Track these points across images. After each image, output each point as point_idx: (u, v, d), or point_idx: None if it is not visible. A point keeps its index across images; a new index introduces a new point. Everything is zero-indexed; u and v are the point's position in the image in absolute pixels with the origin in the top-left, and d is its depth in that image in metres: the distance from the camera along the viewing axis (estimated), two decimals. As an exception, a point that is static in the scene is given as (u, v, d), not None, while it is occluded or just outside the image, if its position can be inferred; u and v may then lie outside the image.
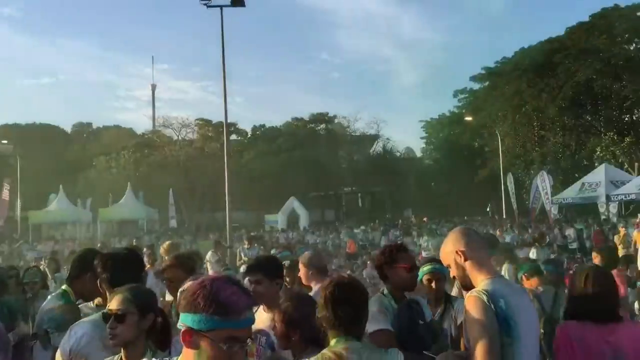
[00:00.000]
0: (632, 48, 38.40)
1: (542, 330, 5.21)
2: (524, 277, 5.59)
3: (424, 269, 4.10)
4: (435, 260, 4.02)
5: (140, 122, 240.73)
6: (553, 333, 5.17)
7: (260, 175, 43.88)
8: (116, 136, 56.28)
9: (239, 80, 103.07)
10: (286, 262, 5.40)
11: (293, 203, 34.67)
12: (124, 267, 3.21)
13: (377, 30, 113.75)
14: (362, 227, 27.14)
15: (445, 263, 2.91)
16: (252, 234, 20.68)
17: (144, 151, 47.78)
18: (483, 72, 47.80)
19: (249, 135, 56.44)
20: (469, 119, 45.72)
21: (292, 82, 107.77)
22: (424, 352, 2.69)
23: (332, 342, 2.58)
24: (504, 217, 32.50)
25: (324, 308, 2.63)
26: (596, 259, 6.81)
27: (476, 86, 50.98)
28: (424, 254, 14.42)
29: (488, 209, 37.83)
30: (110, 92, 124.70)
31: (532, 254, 10.66)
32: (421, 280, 4.10)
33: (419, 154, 60.95)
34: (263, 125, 56.65)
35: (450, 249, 2.82)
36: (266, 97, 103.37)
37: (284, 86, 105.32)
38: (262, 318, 3.37)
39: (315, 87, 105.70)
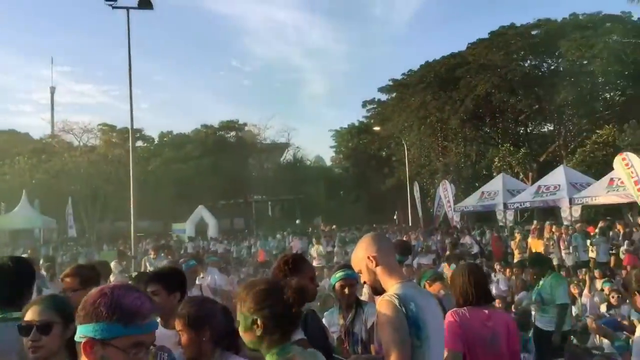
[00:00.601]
0: (527, 65, 40.85)
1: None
2: (426, 283, 5.78)
3: (337, 275, 4.16)
4: (347, 266, 4.06)
5: (38, 126, 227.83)
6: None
7: (167, 183, 42.79)
8: (11, 141, 52.89)
9: (145, 86, 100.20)
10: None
11: (201, 211, 34.03)
12: (6, 279, 2.98)
13: (287, 38, 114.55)
14: (278, 236, 27.05)
15: (356, 269, 2.94)
16: (162, 242, 20.08)
17: (41, 157, 45.23)
18: (390, 83, 49.19)
19: (156, 142, 54.90)
20: (377, 128, 46.92)
21: (202, 88, 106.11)
22: (334, 355, 2.68)
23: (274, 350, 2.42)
24: (410, 224, 33.53)
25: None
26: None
27: (384, 97, 52.37)
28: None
29: (395, 217, 38.89)
30: (4, 95, 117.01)
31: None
32: (334, 286, 4.15)
33: (328, 162, 61.82)
34: (170, 132, 55.30)
35: (362, 255, 2.86)
36: (174, 103, 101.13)
37: (193, 93, 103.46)
38: (162, 335, 3.24)
39: (225, 94, 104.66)
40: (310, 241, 20.01)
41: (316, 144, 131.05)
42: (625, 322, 5.60)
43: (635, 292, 3.78)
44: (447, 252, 14.13)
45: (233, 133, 53.71)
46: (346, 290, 4.15)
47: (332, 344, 3.51)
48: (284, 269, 3.48)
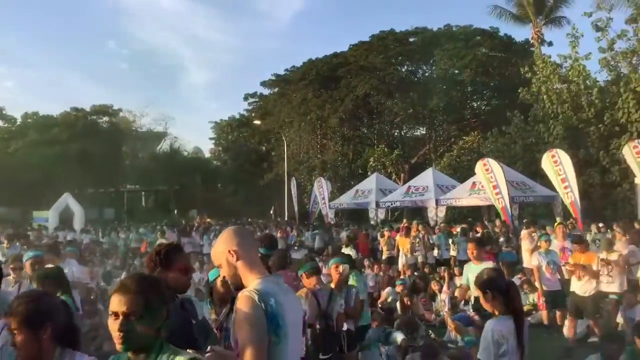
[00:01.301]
0: (404, 70, 42.67)
1: (317, 326, 5.46)
2: (304, 275, 5.81)
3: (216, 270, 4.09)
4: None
5: None
6: (327, 328, 5.41)
7: (29, 167, 39.70)
8: None
9: (9, 63, 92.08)
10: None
11: (67, 199, 31.89)
12: None
13: (170, 24, 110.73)
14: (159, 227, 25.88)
15: (216, 263, 2.84)
16: (13, 231, 18.53)
17: None
18: (273, 78, 49.26)
19: (19, 123, 50.84)
20: (257, 122, 46.77)
21: (74, 69, 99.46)
22: (188, 350, 2.57)
23: None
24: (286, 219, 33.76)
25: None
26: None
27: (266, 91, 52.37)
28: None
29: (271, 212, 38.99)
30: None
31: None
32: (214, 280, 4.14)
33: (207, 154, 60.72)
34: (36, 113, 51.41)
35: (222, 249, 2.77)
36: (42, 83, 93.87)
37: (64, 73, 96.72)
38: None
39: (99, 77, 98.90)
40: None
41: (195, 135, 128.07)
42: (477, 318, 5.99)
43: (481, 291, 4.01)
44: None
45: (106, 118, 51.07)
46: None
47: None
48: (155, 259, 3.36)
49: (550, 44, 37.79)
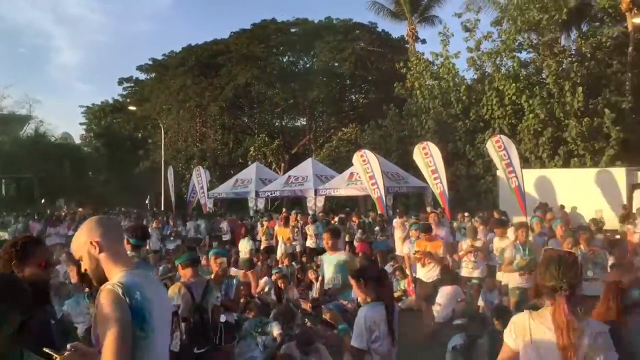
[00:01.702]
0: (285, 60, 42.81)
1: (192, 319, 5.31)
2: (180, 266, 5.66)
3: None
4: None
5: None
6: (202, 321, 5.27)
7: None
8: None
9: None
10: None
11: None
12: None
13: (37, 0, 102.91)
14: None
15: (77, 255, 2.64)
16: None
17: None
18: (150, 63, 47.42)
19: None
20: (133, 108, 44.84)
21: None
22: (44, 349, 2.36)
23: None
24: (163, 209, 32.73)
25: None
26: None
27: (143, 76, 50.35)
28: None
29: (147, 201, 37.61)
30: None
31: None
32: None
33: (78, 140, 57.21)
34: None
35: (83, 240, 2.58)
36: None
37: None
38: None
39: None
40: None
41: (65, 120, 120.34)
42: (350, 306, 6.15)
43: (354, 279, 4.09)
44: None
45: (-40, 99, 46.55)
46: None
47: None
48: (10, 252, 3.11)
49: (424, 41, 39.69)
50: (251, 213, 23.35)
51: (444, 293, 9.44)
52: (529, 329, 2.83)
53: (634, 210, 18.79)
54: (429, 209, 18.07)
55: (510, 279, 8.43)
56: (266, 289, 9.97)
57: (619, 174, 19.81)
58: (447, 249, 10.78)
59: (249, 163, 32.41)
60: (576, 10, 26.70)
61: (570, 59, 25.60)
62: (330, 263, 7.06)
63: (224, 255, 6.96)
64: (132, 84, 51.92)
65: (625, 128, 23.04)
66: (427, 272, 8.91)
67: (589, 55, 25.21)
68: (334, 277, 6.90)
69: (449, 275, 9.83)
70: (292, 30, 42.02)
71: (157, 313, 2.50)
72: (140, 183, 41.30)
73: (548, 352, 2.75)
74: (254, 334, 7.27)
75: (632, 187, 19.38)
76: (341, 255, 7.02)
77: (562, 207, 17.97)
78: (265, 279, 10.35)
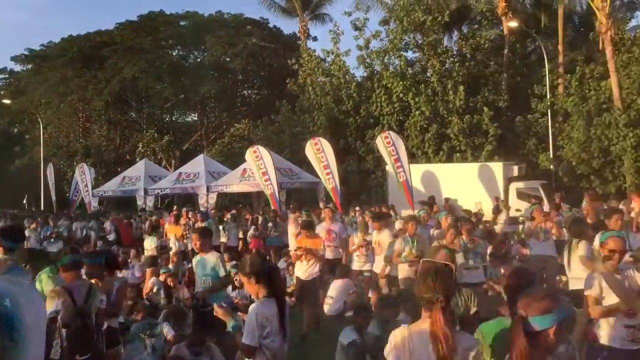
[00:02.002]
0: (174, 54, 41.63)
1: (73, 324, 4.96)
2: (61, 269, 5.31)
3: None
4: None
5: None
6: (84, 326, 4.94)
7: None
8: None
9: None
10: None
11: None
12: None
13: None
14: None
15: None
16: None
17: None
18: (27, 53, 44.30)
19: None
20: (7, 102, 41.79)
21: None
22: None
23: None
24: (42, 208, 30.76)
25: None
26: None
27: (18, 68, 46.95)
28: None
29: (25, 201, 35.16)
30: None
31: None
32: None
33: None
34: None
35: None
36: None
37: None
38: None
39: None
40: None
41: None
42: (241, 303, 6.05)
43: (245, 276, 4.01)
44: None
45: None
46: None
47: None
48: None
49: (315, 38, 40.14)
50: (139, 211, 22.47)
51: (336, 286, 9.58)
52: (408, 343, 2.87)
53: (510, 202, 20.17)
54: (321, 204, 18.29)
55: (399, 270, 8.70)
56: (154, 290, 9.62)
57: (497, 168, 21.14)
58: (340, 244, 11.00)
59: (137, 160, 31.23)
60: (457, 13, 28.16)
61: (452, 59, 26.95)
62: (199, 265, 6.74)
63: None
64: (6, 76, 48.29)
65: (502, 125, 24.63)
66: (307, 270, 8.75)
67: (469, 56, 26.68)
68: (204, 279, 6.60)
69: (342, 269, 10.00)
70: (182, 23, 40.94)
71: (29, 320, 2.28)
72: (17, 181, 38.49)
73: None
74: (142, 337, 6.98)
75: (508, 181, 20.77)
76: (211, 257, 6.67)
77: (447, 199, 18.86)
78: (153, 279, 9.98)
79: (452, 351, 2.73)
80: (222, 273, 6.59)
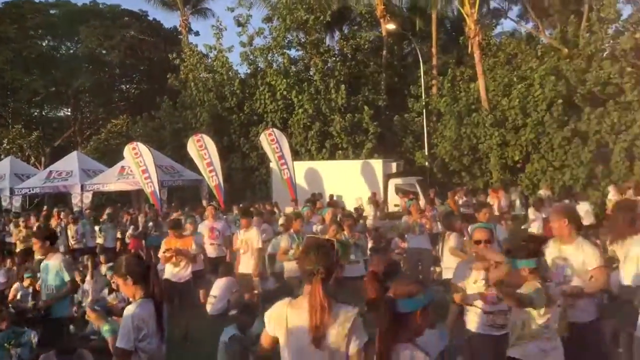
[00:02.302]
0: (44, 44, 38.96)
1: None
2: None
3: None
4: None
5: None
6: None
7: None
8: None
9: None
10: None
11: None
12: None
13: None
14: None
15: None
16: None
17: None
18: None
19: None
20: None
21: None
22: None
23: None
24: None
25: None
26: None
27: None
28: None
29: None
30: None
31: None
32: None
33: None
34: None
35: None
36: None
37: None
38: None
39: None
40: None
41: None
42: (120, 305, 5.78)
43: (121, 278, 3.84)
44: None
45: None
46: None
47: None
48: None
49: (197, 33, 39.30)
50: (7, 212, 20.80)
51: (219, 285, 9.46)
52: (286, 316, 2.93)
53: (389, 198, 20.99)
54: (204, 202, 17.98)
55: (286, 268, 8.74)
56: (18, 296, 8.97)
57: (377, 165, 21.91)
58: (223, 242, 10.86)
59: (2, 157, 28.94)
60: (338, 13, 28.81)
61: (334, 58, 27.52)
62: (43, 270, 6.25)
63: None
64: None
65: (381, 124, 25.54)
66: (178, 272, 8.36)
67: (350, 55, 27.40)
68: (48, 286, 6.14)
69: (225, 267, 9.88)
70: (52, 11, 38.42)
71: None
72: None
73: (304, 335, 2.85)
74: (6, 347, 6.49)
75: (387, 177, 21.59)
76: (55, 261, 6.13)
77: (332, 196, 19.23)
78: (17, 284, 9.30)
79: (327, 321, 2.80)
80: (66, 278, 6.08)
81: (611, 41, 24.04)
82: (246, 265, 9.26)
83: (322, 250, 2.95)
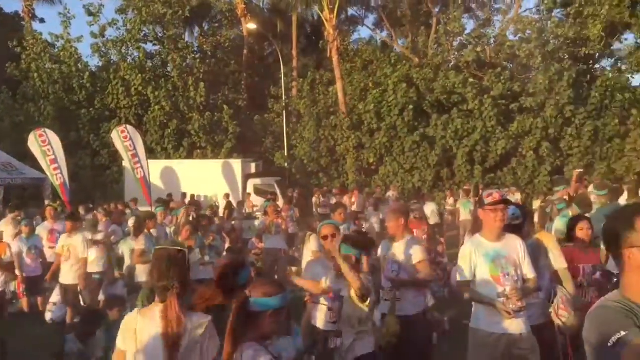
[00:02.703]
0: None
1: None
2: None
3: None
4: None
5: None
6: None
7: None
8: None
9: None
10: None
11: None
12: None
13: None
14: None
15: None
16: None
17: None
18: None
19: None
20: None
21: None
22: None
23: None
24: None
25: None
26: None
27: None
28: None
29: None
30: None
31: None
32: None
33: None
34: None
35: None
36: None
37: None
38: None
39: None
40: None
41: None
42: None
43: None
44: None
45: None
46: None
47: None
48: None
49: (42, 20, 36.33)
50: None
51: (57, 292, 8.74)
52: (137, 327, 2.89)
53: (248, 198, 20.81)
54: (47, 202, 16.64)
55: (141, 271, 8.24)
56: None
57: (236, 165, 21.69)
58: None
59: None
60: (198, 9, 28.13)
61: (193, 55, 26.80)
62: None
63: None
64: None
65: (241, 124, 25.33)
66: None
67: (210, 53, 26.85)
68: None
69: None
70: None
71: None
72: None
73: (156, 345, 2.83)
74: None
75: (246, 178, 21.44)
76: None
77: (184, 195, 18.68)
78: None
79: (180, 331, 2.82)
80: None
81: (456, 53, 25.88)
82: (67, 274, 8.21)
83: (175, 262, 2.92)
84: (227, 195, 19.00)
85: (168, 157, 24.20)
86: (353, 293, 4.09)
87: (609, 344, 1.77)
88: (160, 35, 27.20)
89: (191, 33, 30.03)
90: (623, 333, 1.75)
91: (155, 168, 20.33)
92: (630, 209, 2.08)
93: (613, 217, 2.07)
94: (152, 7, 25.63)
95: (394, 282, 4.93)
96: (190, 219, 9.73)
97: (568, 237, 5.36)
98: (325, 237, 4.67)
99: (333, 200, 14.79)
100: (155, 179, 19.81)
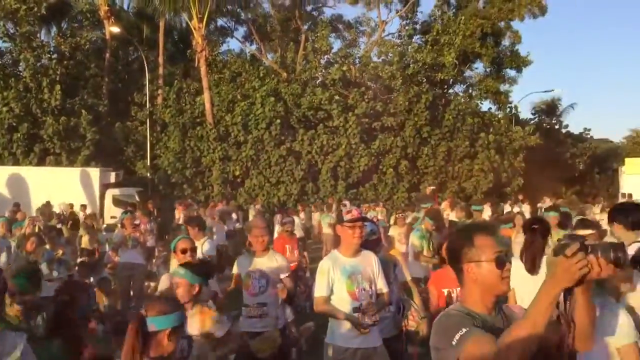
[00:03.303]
0: None
1: None
2: None
3: None
4: None
5: None
6: None
7: None
8: None
9: None
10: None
11: None
12: None
13: None
14: None
15: None
16: None
17: None
18: None
19: None
20: None
21: None
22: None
23: None
24: None
25: None
26: None
27: None
28: None
29: None
30: None
31: None
32: None
33: None
34: None
35: None
36: None
37: None
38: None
39: None
40: None
41: None
42: None
43: None
44: None
45: None
46: None
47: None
48: None
49: None
50: None
51: None
52: None
53: (105, 210, 19.75)
54: None
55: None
56: None
57: (94, 174, 20.52)
58: None
59: None
60: (56, 8, 26.35)
61: (49, 55, 24.98)
62: None
63: None
64: None
65: (100, 130, 23.98)
66: None
67: (68, 54, 25.17)
68: None
69: None
70: None
71: None
72: None
73: None
74: None
75: (104, 187, 20.33)
76: None
77: (48, 202, 17.30)
78: None
79: None
80: None
81: (323, 70, 26.58)
82: None
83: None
84: (83, 207, 17.84)
85: (16, 163, 22.34)
86: None
87: (453, 343, 1.87)
88: (11, 31, 25.11)
89: (48, 32, 28.01)
90: (464, 330, 1.87)
91: (2, 175, 18.77)
92: (470, 227, 2.23)
93: (455, 234, 2.21)
94: (4, 1, 23.65)
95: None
96: (37, 229, 8.98)
97: (441, 259, 5.19)
98: (184, 251, 4.63)
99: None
100: (1, 187, 18.22)
